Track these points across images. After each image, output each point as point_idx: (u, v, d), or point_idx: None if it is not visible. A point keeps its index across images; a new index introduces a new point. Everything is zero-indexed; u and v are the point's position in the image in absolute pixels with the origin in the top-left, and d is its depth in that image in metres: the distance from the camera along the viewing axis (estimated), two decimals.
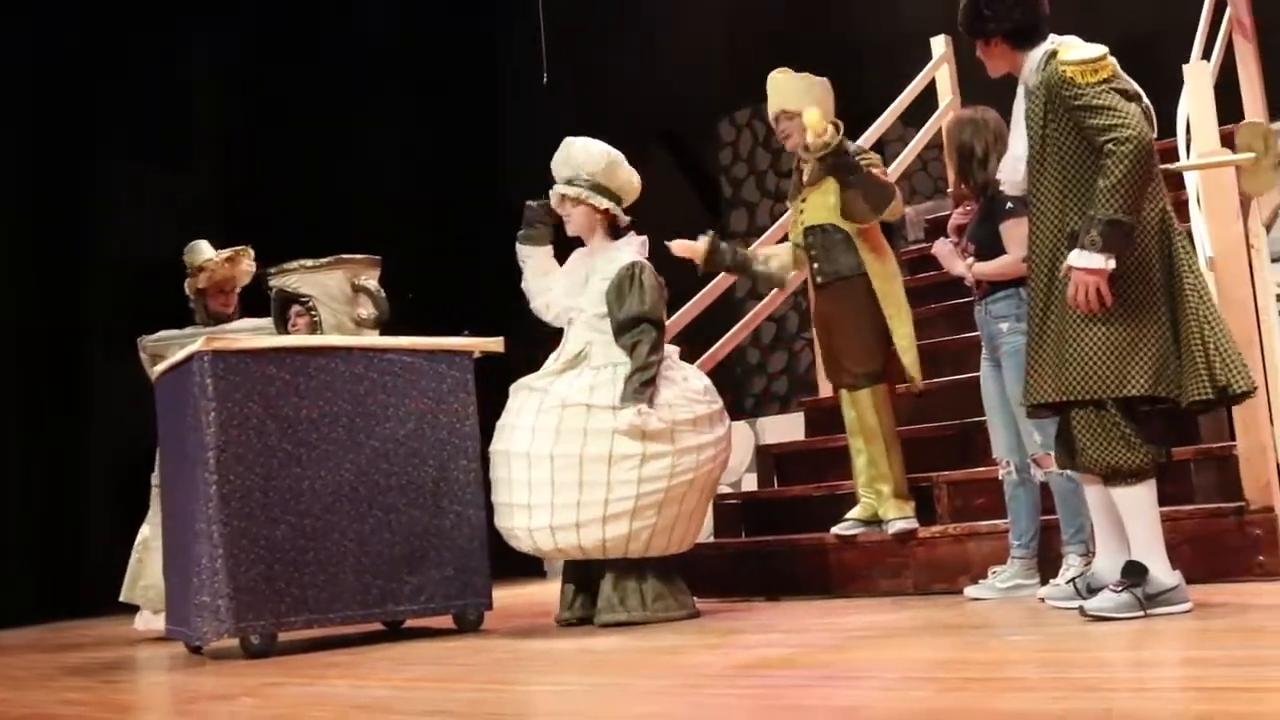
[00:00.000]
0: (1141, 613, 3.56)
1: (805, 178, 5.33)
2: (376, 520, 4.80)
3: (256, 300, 6.14)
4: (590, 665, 3.81)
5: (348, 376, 4.83)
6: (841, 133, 5.01)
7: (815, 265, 5.31)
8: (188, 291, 6.31)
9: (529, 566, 8.87)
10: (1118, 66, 3.72)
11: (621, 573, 4.78)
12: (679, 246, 5.28)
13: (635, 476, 4.66)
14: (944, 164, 7.75)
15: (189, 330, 6.18)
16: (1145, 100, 3.74)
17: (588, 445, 4.65)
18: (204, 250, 6.28)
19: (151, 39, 9.68)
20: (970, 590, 4.72)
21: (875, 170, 5.07)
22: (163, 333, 6.22)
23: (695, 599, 5.29)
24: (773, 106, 5.33)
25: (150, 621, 6.05)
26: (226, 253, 6.27)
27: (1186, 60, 5.22)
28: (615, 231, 5.07)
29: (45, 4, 9.22)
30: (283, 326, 5.37)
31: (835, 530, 5.30)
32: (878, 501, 5.22)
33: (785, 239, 5.79)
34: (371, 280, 5.26)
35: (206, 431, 4.53)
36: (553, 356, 5.02)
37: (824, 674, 3.19)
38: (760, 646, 3.91)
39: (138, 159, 9.63)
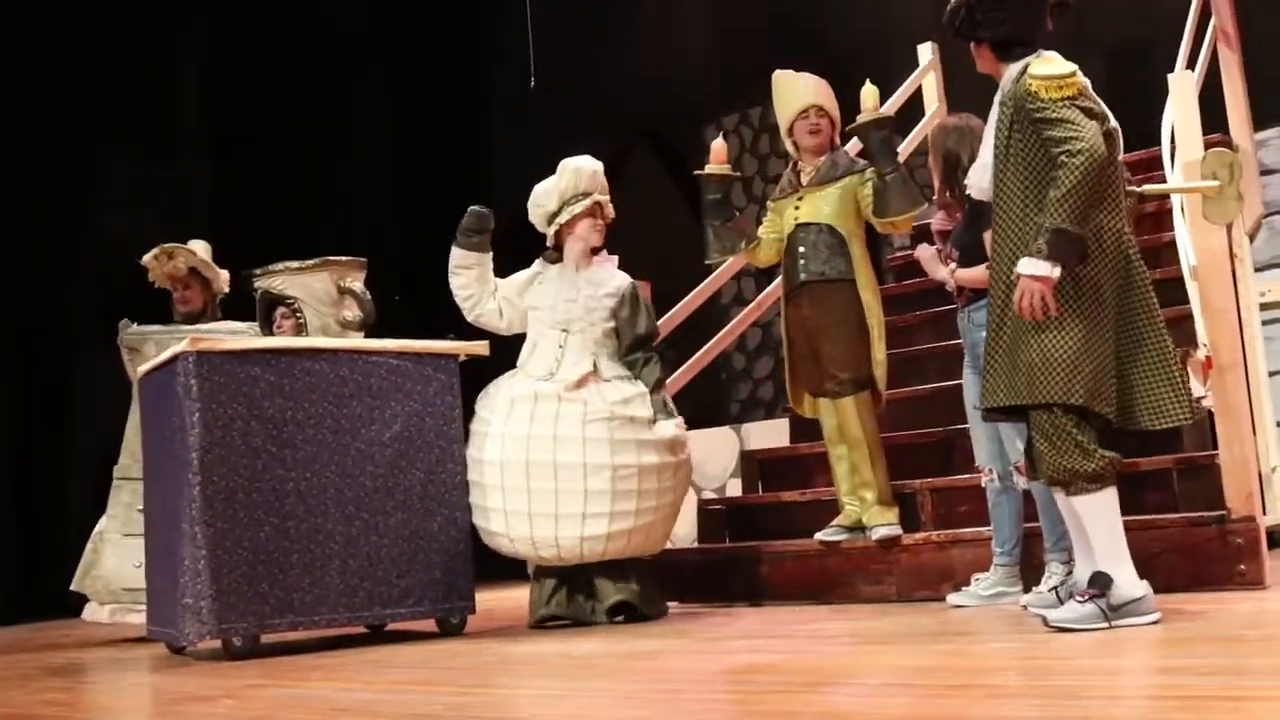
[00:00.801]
0: (1106, 624, 3.57)
1: (806, 179, 5.31)
2: (362, 523, 4.79)
3: (239, 303, 6.13)
4: (573, 669, 3.81)
5: (333, 379, 4.82)
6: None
7: (801, 263, 5.22)
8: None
9: (510, 570, 8.87)
10: (1087, 85, 3.76)
11: (615, 565, 5.02)
12: (718, 148, 5.31)
13: (670, 484, 5.09)
14: (930, 171, 7.79)
15: (165, 327, 6.17)
16: (1112, 122, 3.78)
17: (643, 456, 4.97)
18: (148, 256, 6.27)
19: (140, 36, 9.65)
20: (953, 597, 4.72)
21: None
22: (138, 326, 6.20)
23: (679, 604, 5.31)
24: (798, 104, 5.27)
25: (96, 614, 6.01)
26: (156, 250, 6.23)
27: (1172, 69, 5.24)
28: None
29: (35, 1, 9.20)
30: (268, 328, 5.37)
31: (819, 536, 5.31)
32: (862, 508, 5.23)
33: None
34: (357, 283, 5.27)
35: (190, 432, 4.52)
36: (536, 363, 5.11)
37: (806, 680, 3.20)
38: (743, 652, 3.92)
39: (124, 157, 9.61)
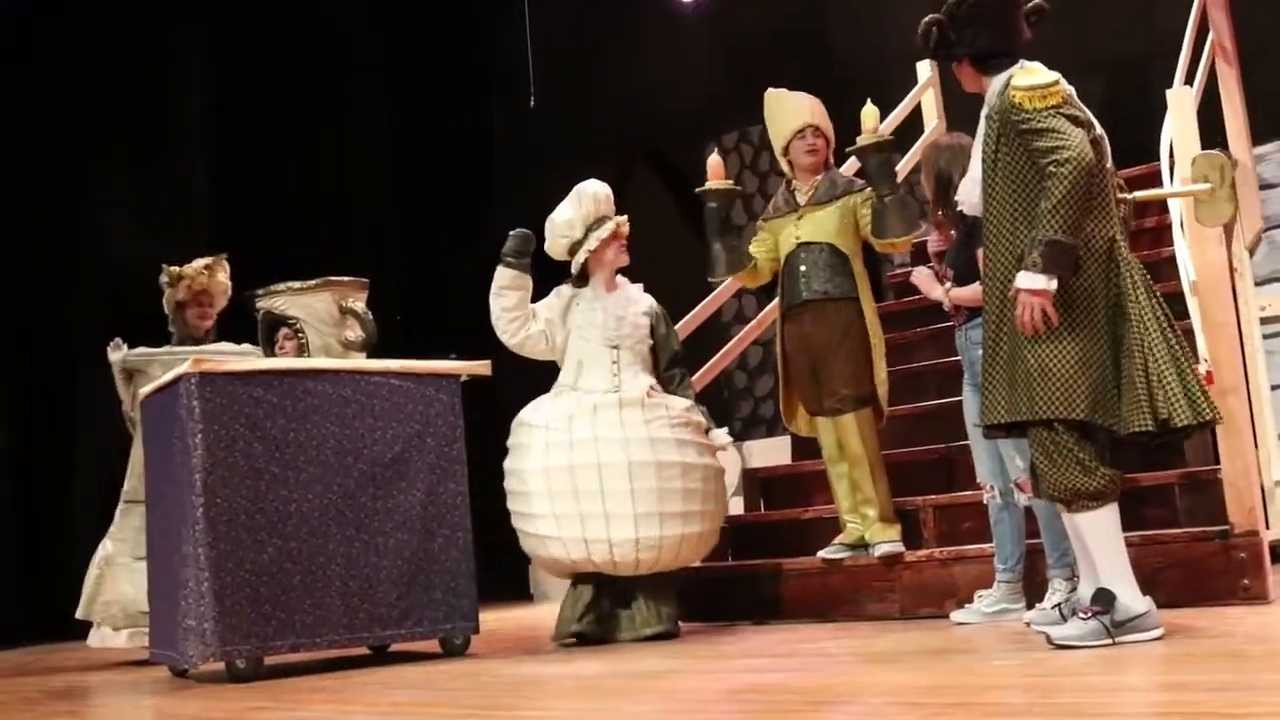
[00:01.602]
0: (1109, 640, 3.56)
1: (804, 199, 5.31)
2: (364, 544, 4.79)
3: (237, 322, 6.14)
4: (577, 690, 3.80)
5: (335, 399, 4.83)
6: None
7: (803, 282, 5.23)
8: (166, 308, 6.30)
9: (514, 590, 8.88)
10: (1072, 94, 3.76)
11: (658, 587, 5.11)
12: (715, 164, 5.27)
13: (723, 489, 5.29)
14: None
15: (169, 349, 6.17)
16: (1098, 130, 3.78)
17: (704, 457, 5.15)
18: (178, 268, 6.28)
19: (140, 45, 9.67)
20: (956, 615, 4.72)
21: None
22: (141, 348, 6.20)
23: (682, 623, 5.31)
24: (795, 123, 5.28)
25: (109, 639, 5.99)
26: (204, 261, 6.26)
27: (1170, 85, 5.26)
28: None
29: (32, 9, 9.22)
30: (270, 349, 5.37)
31: (822, 554, 5.31)
32: (864, 525, 5.23)
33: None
34: (359, 303, 5.27)
35: (193, 454, 4.52)
36: (591, 379, 5.19)
37: (810, 698, 3.20)
38: (747, 671, 3.91)
39: (126, 170, 9.63)
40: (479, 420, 5.24)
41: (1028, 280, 3.59)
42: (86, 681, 5.39)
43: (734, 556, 6.04)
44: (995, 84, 3.84)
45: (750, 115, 8.89)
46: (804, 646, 4.44)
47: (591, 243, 5.27)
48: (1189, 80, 5.84)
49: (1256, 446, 4.67)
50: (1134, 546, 3.74)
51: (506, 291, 5.23)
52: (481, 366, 5.22)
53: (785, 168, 5.41)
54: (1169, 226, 5.59)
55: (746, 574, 5.62)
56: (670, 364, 5.37)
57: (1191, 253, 4.74)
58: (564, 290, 5.37)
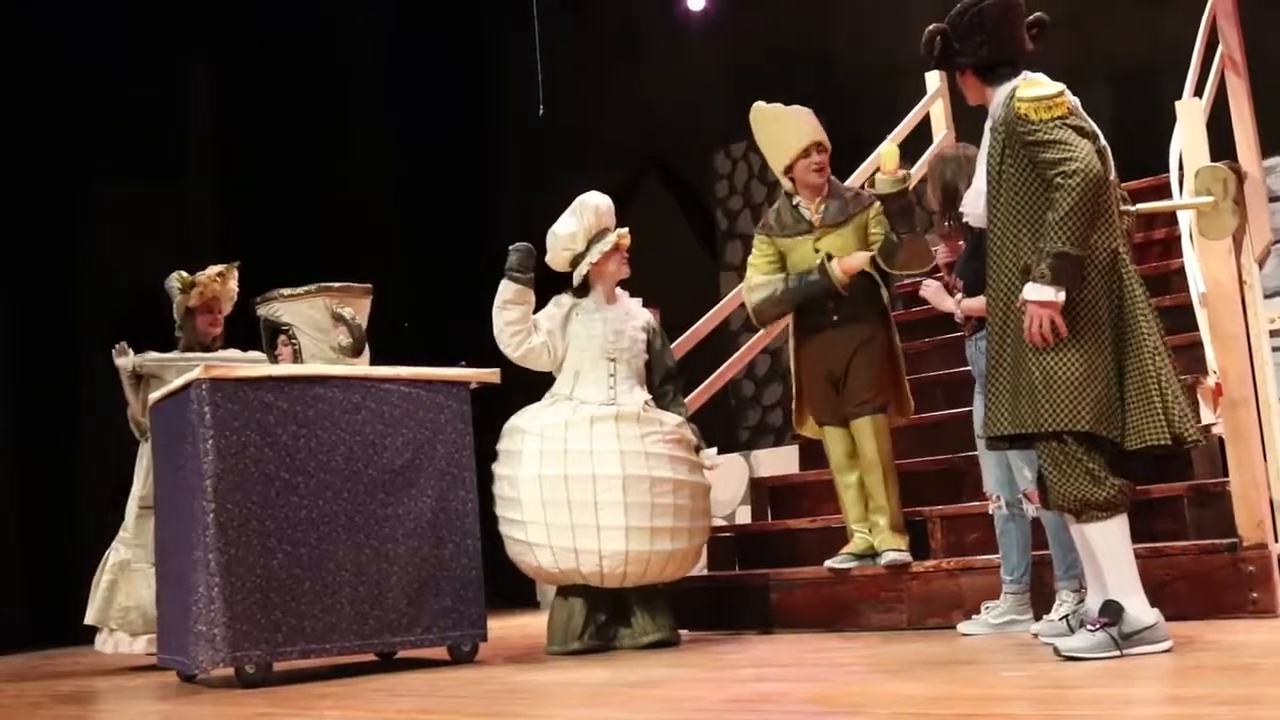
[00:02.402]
0: (1117, 652, 3.56)
1: (817, 218, 5.30)
2: (374, 550, 4.80)
3: (242, 328, 6.15)
4: (582, 699, 3.80)
5: (345, 406, 4.84)
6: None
7: (831, 304, 5.23)
8: (175, 314, 6.31)
9: (520, 596, 8.88)
10: (1077, 105, 3.76)
11: (651, 597, 5.13)
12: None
13: (709, 509, 5.32)
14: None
15: (180, 354, 6.19)
16: (1102, 140, 3.78)
17: (695, 474, 5.17)
18: (189, 275, 6.30)
19: (145, 54, 9.70)
20: (963, 625, 4.72)
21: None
22: (153, 354, 6.21)
23: (688, 631, 5.31)
24: (801, 142, 5.27)
25: (124, 645, 6.00)
26: (217, 269, 6.29)
27: (1179, 97, 5.26)
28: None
29: (37, 23, 9.25)
30: (271, 355, 5.38)
31: (829, 564, 5.31)
32: (874, 534, 5.23)
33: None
34: (347, 309, 5.23)
35: (204, 460, 4.53)
36: (587, 390, 5.18)
37: (817, 708, 3.20)
38: (753, 680, 3.91)
39: (132, 181, 9.66)
40: (487, 428, 5.24)
41: (1036, 292, 3.58)
42: (94, 686, 5.40)
43: (741, 565, 6.04)
44: (999, 95, 3.84)
45: None
46: (810, 656, 4.44)
47: (593, 255, 5.29)
48: (1198, 92, 5.84)
49: (1265, 459, 4.65)
50: (1142, 559, 3.73)
51: (510, 305, 5.23)
52: (491, 374, 5.23)
53: (787, 184, 5.38)
54: (1178, 238, 5.59)
55: (753, 583, 5.62)
56: (664, 380, 5.39)
57: (1201, 265, 4.74)
58: (563, 300, 5.37)
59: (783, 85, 5.42)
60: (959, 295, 4.56)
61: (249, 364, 5.49)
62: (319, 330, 5.17)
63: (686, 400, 5.58)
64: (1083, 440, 3.60)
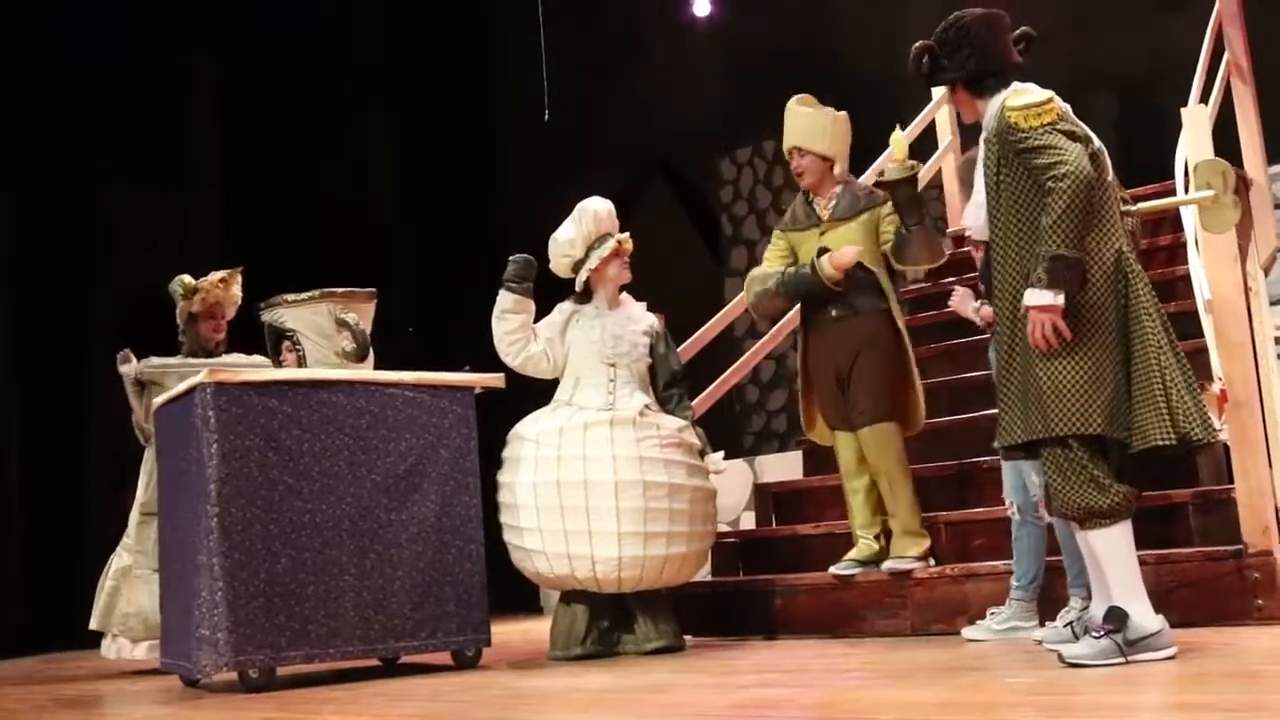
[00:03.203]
0: (1122, 659, 3.55)
1: (825, 213, 5.31)
2: (378, 555, 4.80)
3: (247, 332, 6.15)
4: (587, 703, 3.80)
5: (349, 410, 4.84)
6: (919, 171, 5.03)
7: (831, 299, 5.24)
8: (179, 319, 6.32)
9: (523, 601, 8.87)
10: (1067, 110, 3.77)
11: (653, 602, 5.12)
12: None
13: (713, 514, 5.28)
14: (944, 204, 7.80)
15: (182, 359, 6.19)
16: (1097, 143, 3.79)
17: (694, 478, 5.14)
18: (191, 279, 6.30)
19: (151, 60, 9.72)
20: (967, 631, 4.71)
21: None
22: (155, 359, 6.22)
23: (692, 637, 5.29)
24: (787, 139, 5.33)
25: (126, 650, 6.00)
26: (220, 274, 6.29)
27: (1185, 104, 5.25)
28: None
29: (42, 25, 9.27)
30: (276, 361, 5.38)
31: (833, 570, 5.30)
32: (893, 540, 5.21)
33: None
34: (350, 314, 5.23)
35: (208, 464, 4.53)
36: (586, 396, 5.19)
37: (820, 714, 3.19)
38: (756, 686, 3.91)
39: (139, 185, 9.67)
40: (491, 433, 5.24)
41: (1035, 297, 3.59)
42: (98, 690, 5.40)
43: (745, 571, 6.04)
44: (991, 107, 3.85)
45: (763, 130, 8.90)
46: (814, 662, 4.43)
47: (593, 261, 5.30)
48: (1204, 99, 5.85)
49: (1270, 466, 4.65)
50: (1147, 565, 3.73)
51: (508, 315, 5.27)
52: (495, 379, 5.23)
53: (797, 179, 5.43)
54: (1183, 245, 5.58)
55: (758, 589, 5.62)
56: (669, 384, 5.38)
57: (1206, 272, 4.74)
58: (565, 307, 5.40)
59: (786, 90, 5.40)
60: (980, 302, 4.54)
61: (253, 368, 5.49)
62: (323, 336, 5.17)
63: (692, 404, 5.56)
64: (1089, 446, 3.60)
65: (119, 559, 6.11)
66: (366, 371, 5.09)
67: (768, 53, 9.80)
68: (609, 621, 5.11)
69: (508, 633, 6.86)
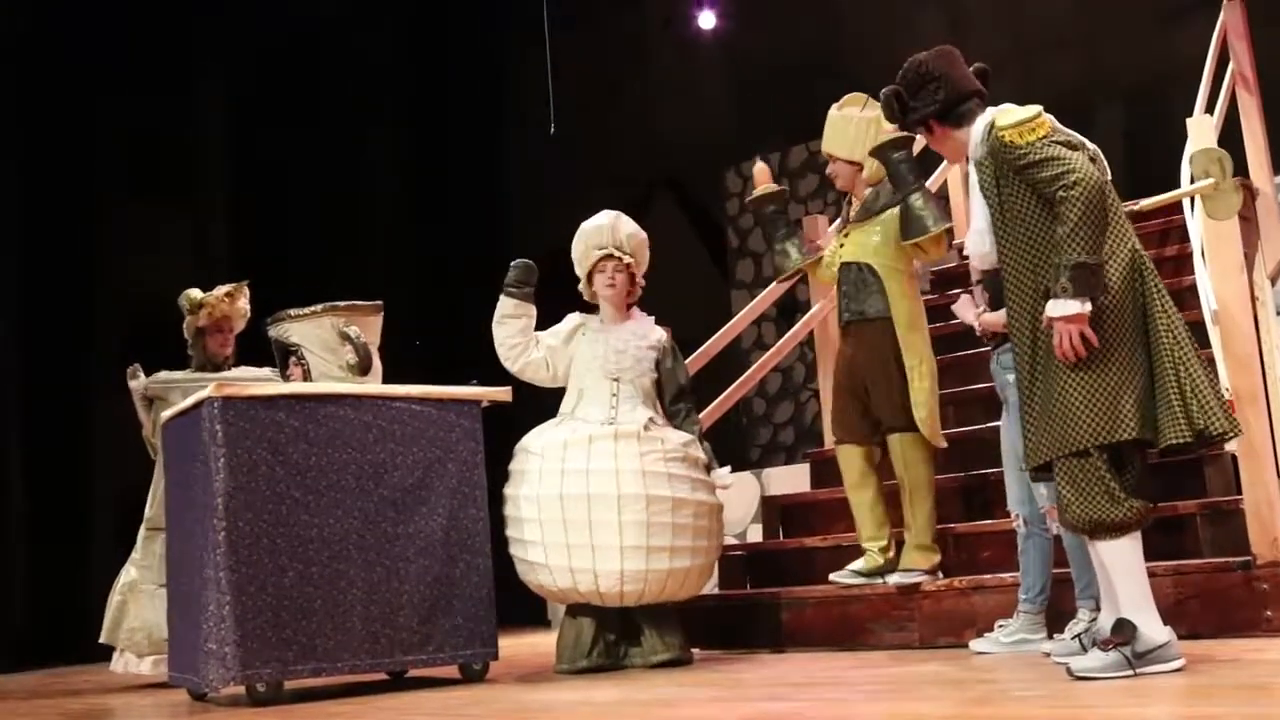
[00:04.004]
0: (1130, 671, 3.54)
1: (853, 215, 5.35)
2: (385, 569, 4.80)
3: (256, 347, 6.16)
4: (593, 718, 3.80)
5: (357, 424, 4.84)
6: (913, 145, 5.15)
7: (844, 302, 5.31)
8: (186, 334, 6.33)
9: (531, 614, 8.86)
10: (1055, 122, 3.78)
11: (660, 616, 5.09)
12: (761, 171, 5.52)
13: (719, 528, 5.22)
14: (950, 216, 7.80)
15: (189, 374, 6.20)
16: (1092, 147, 3.80)
17: (697, 493, 5.08)
18: (200, 293, 6.32)
19: (158, 76, 9.75)
20: (975, 644, 4.70)
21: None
22: (162, 374, 6.23)
23: (700, 650, 5.28)
24: (823, 144, 5.45)
25: (132, 665, 6.01)
26: (226, 288, 6.30)
27: (1190, 114, 5.26)
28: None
29: (51, 39, 9.31)
30: (284, 376, 5.39)
31: (833, 577, 5.30)
32: (903, 553, 5.21)
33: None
34: (352, 327, 5.23)
35: (216, 478, 4.54)
36: (589, 409, 5.19)
37: None
38: (764, 700, 3.90)
39: (147, 200, 9.69)
40: (498, 446, 5.24)
41: (1060, 308, 3.56)
42: (105, 704, 5.40)
43: (752, 584, 6.03)
44: (975, 133, 3.86)
45: (769, 143, 8.90)
46: (821, 675, 4.43)
47: (582, 276, 5.36)
48: (1209, 109, 5.84)
49: (1279, 477, 4.63)
50: (1155, 577, 3.72)
51: (507, 320, 5.31)
52: (502, 392, 5.23)
53: None
54: (1189, 255, 5.58)
55: (765, 601, 5.61)
56: (675, 398, 5.35)
57: (1213, 281, 4.73)
58: (575, 317, 5.42)
59: (792, 102, 5.44)
60: (982, 308, 4.53)
61: (260, 382, 5.50)
62: (328, 350, 5.17)
63: (700, 418, 5.55)
64: (1109, 457, 3.58)
65: (126, 574, 6.12)
66: (373, 385, 5.10)
67: (773, 65, 9.81)
68: (615, 634, 5.10)
69: (516, 646, 6.85)
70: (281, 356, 5.35)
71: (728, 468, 5.26)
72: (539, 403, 5.46)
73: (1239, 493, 4.61)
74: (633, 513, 4.92)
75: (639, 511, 4.92)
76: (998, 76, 4.20)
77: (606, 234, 5.32)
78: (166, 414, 5.28)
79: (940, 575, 5.18)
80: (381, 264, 10.42)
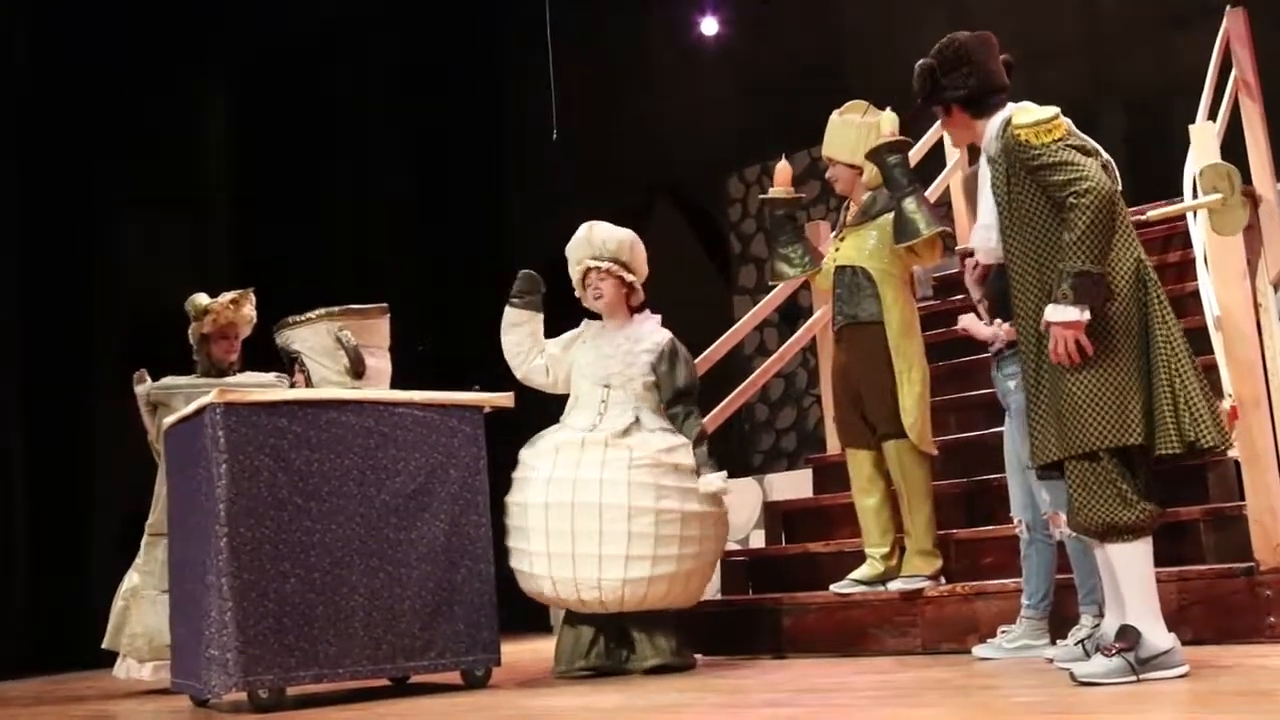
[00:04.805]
0: (1134, 677, 3.53)
1: (851, 219, 5.37)
2: (387, 575, 4.79)
3: (263, 352, 6.16)
4: None
5: (359, 430, 4.84)
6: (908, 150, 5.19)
7: (838, 306, 5.32)
8: (191, 340, 6.34)
9: (533, 620, 8.85)
10: (1071, 125, 3.78)
11: (652, 622, 5.05)
12: (783, 170, 5.47)
13: (712, 534, 5.13)
14: (953, 221, 7.80)
15: (192, 380, 6.21)
16: (1105, 155, 3.79)
17: (686, 503, 5.01)
18: (206, 299, 6.32)
19: (163, 81, 9.77)
20: (978, 649, 4.70)
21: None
22: (167, 380, 6.24)
23: (702, 656, 5.27)
24: (824, 148, 5.47)
25: (134, 670, 6.01)
26: (231, 295, 6.31)
27: (1193, 121, 5.26)
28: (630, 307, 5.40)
29: (55, 44, 9.32)
30: (292, 383, 5.40)
31: (833, 588, 5.29)
32: (905, 559, 5.20)
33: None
34: (346, 331, 5.21)
35: (218, 484, 4.54)
36: (579, 416, 5.19)
37: None
38: (766, 706, 3.90)
39: (149, 207, 9.70)
40: (501, 452, 5.24)
41: (1058, 313, 3.57)
42: (108, 710, 5.40)
43: (755, 590, 6.03)
44: (992, 127, 3.85)
45: (769, 148, 8.92)
46: (823, 681, 4.42)
47: (576, 273, 5.38)
48: (1212, 116, 5.84)
49: None
50: (1158, 583, 3.70)
51: (512, 329, 5.39)
52: (504, 398, 5.23)
53: None
54: (1192, 261, 5.57)
55: (767, 607, 5.61)
56: (673, 400, 5.25)
57: (1215, 288, 4.73)
58: (582, 325, 5.45)
59: (794, 109, 5.46)
60: (997, 320, 4.50)
61: (261, 388, 5.50)
62: (327, 355, 5.17)
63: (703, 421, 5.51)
64: (1119, 460, 3.57)
65: (129, 579, 6.12)
66: (375, 391, 5.10)
67: (775, 72, 9.82)
68: (613, 640, 5.09)
69: (518, 652, 6.85)
70: (289, 363, 5.37)
71: (719, 474, 5.11)
72: (543, 408, 5.46)
73: (1242, 498, 4.61)
74: (614, 522, 4.90)
75: (620, 521, 4.90)
76: None
77: (583, 247, 5.33)
78: (168, 420, 5.28)
79: (943, 581, 5.17)
80: (385, 269, 10.43)
